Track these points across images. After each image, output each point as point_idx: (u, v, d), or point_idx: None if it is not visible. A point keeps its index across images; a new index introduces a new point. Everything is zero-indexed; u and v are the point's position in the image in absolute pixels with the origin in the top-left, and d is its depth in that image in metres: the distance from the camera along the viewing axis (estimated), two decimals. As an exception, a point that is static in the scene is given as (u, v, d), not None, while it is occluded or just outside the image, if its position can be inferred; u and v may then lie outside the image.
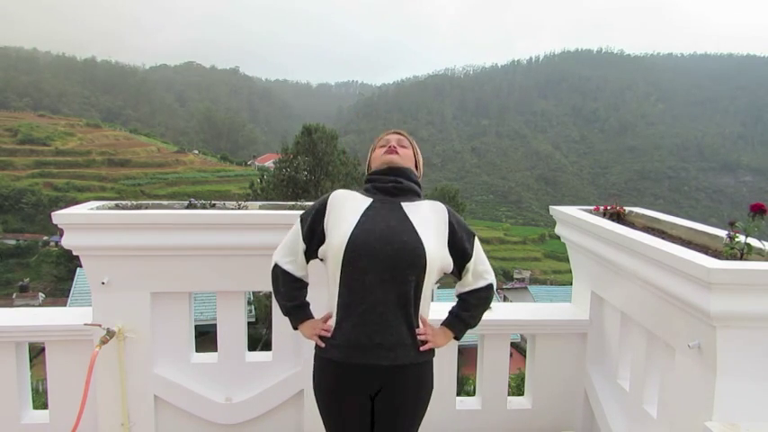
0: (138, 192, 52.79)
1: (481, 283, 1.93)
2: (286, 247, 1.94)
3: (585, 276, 2.96)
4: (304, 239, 1.89)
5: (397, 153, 1.93)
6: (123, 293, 2.60)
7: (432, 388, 1.94)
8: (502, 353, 2.97)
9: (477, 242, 1.94)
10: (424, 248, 1.75)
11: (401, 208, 1.85)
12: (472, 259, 1.90)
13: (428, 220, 1.84)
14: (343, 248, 1.73)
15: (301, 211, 2.01)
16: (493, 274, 1.96)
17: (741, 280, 1.78)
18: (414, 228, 1.79)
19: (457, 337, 1.99)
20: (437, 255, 1.79)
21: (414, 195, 1.92)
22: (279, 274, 1.93)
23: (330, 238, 1.82)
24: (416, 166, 2.00)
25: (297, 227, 1.93)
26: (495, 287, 1.96)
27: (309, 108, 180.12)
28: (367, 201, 1.86)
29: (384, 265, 1.73)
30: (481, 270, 1.93)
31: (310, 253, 1.92)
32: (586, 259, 2.84)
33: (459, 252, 1.88)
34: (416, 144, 2.06)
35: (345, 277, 1.76)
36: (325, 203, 1.89)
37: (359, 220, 1.78)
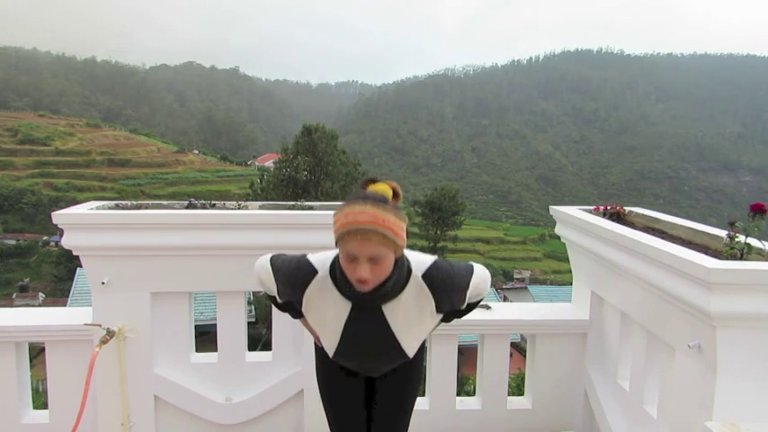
0: (138, 192, 52.78)
1: (473, 302, 1.88)
2: (266, 284, 1.84)
3: (585, 276, 2.96)
4: (283, 306, 1.93)
5: (368, 283, 1.54)
6: (123, 293, 2.59)
7: (423, 361, 2.07)
8: (502, 353, 2.97)
9: (470, 291, 1.74)
10: (407, 356, 1.82)
11: (382, 315, 1.67)
12: (464, 306, 1.82)
13: (410, 320, 1.71)
14: (330, 357, 1.84)
15: (301, 212, 2.00)
16: (487, 290, 1.84)
17: (741, 280, 1.78)
18: (396, 340, 1.72)
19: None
20: (419, 345, 1.88)
21: (395, 290, 1.64)
22: (268, 296, 1.99)
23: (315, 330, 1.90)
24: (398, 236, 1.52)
25: (270, 276, 1.79)
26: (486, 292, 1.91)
27: (309, 108, 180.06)
28: (346, 307, 1.67)
29: (370, 371, 1.91)
30: (474, 298, 1.83)
31: None
32: (586, 259, 2.84)
33: (450, 311, 1.81)
34: (396, 227, 1.49)
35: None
36: (302, 296, 1.71)
37: (341, 338, 1.73)
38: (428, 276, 1.66)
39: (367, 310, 1.67)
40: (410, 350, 1.80)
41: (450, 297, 1.72)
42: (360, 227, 1.44)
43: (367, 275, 1.50)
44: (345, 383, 1.96)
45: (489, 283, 1.84)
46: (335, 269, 1.64)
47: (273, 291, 1.84)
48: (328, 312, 1.71)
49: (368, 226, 1.44)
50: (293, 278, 1.72)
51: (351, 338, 1.73)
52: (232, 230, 2.58)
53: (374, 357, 1.81)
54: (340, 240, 1.50)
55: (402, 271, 1.62)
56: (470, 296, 1.77)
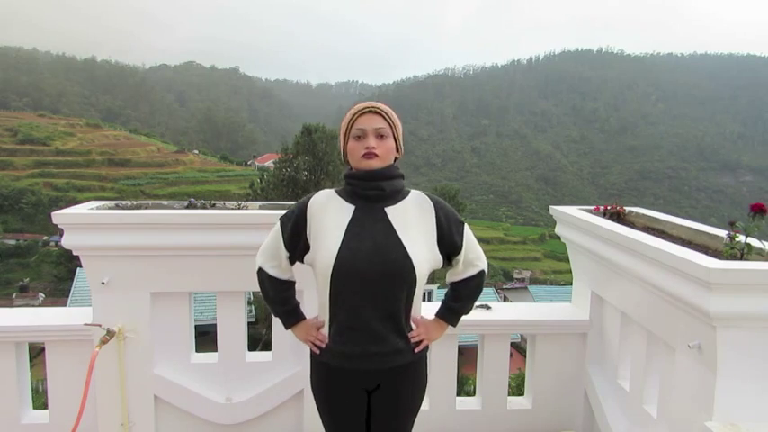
0: (138, 192, 52.75)
1: (471, 271, 1.92)
2: (268, 252, 1.90)
3: (585, 276, 2.96)
4: (286, 247, 1.86)
5: (375, 156, 1.76)
6: (123, 293, 2.59)
7: (426, 382, 1.95)
8: (502, 353, 2.97)
9: (466, 230, 1.89)
10: (412, 264, 1.72)
11: (385, 216, 1.79)
12: (462, 250, 1.89)
13: (414, 225, 1.80)
14: (331, 269, 1.72)
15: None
16: (484, 259, 1.95)
17: (741, 280, 1.78)
18: (400, 241, 1.75)
19: (452, 325, 1.99)
20: (426, 264, 1.79)
21: (397, 194, 1.84)
22: (264, 278, 1.92)
23: (316, 251, 1.79)
24: (397, 148, 1.84)
25: (277, 231, 1.87)
26: (486, 272, 1.95)
27: (309, 108, 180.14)
28: (349, 210, 1.80)
29: (373, 286, 1.72)
30: (472, 258, 1.91)
31: (294, 259, 1.91)
32: (586, 259, 2.84)
33: (449, 246, 1.87)
34: (396, 118, 1.84)
35: (335, 295, 1.77)
36: (305, 210, 1.82)
37: (344, 237, 1.75)
38: (429, 195, 1.89)
39: (370, 212, 1.80)
40: (417, 260, 1.74)
41: (449, 220, 1.85)
42: (367, 107, 1.80)
43: (374, 144, 1.76)
44: (346, 400, 1.87)
45: (483, 255, 1.95)
46: (338, 187, 1.88)
47: (280, 248, 1.86)
48: (331, 219, 1.80)
49: (374, 106, 1.80)
50: (296, 208, 1.86)
51: (354, 237, 1.75)
52: (232, 230, 2.58)
53: (379, 263, 1.71)
54: (349, 126, 1.79)
55: (402, 177, 1.85)
56: (467, 252, 1.88)
